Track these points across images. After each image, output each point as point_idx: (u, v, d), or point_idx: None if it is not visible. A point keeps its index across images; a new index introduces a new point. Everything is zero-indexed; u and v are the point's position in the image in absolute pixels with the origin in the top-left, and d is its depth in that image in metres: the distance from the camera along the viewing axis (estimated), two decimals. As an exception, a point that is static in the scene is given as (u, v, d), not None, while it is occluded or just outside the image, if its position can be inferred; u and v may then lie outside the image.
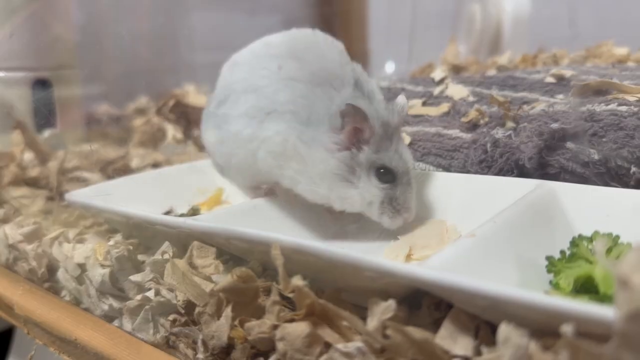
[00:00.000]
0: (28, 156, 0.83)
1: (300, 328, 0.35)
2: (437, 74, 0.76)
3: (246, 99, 0.53)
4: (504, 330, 0.28)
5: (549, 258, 0.38)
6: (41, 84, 0.94)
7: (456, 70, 0.91)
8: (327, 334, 0.35)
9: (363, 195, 0.48)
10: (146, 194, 0.64)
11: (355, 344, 0.32)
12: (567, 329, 0.26)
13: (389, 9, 1.50)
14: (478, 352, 0.31)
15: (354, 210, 0.49)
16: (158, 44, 1.34)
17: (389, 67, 1.47)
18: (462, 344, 0.31)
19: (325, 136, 0.48)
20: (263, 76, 0.52)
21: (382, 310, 0.33)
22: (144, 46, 1.32)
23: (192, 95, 1.04)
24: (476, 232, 0.38)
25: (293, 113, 0.49)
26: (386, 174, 0.48)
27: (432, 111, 0.66)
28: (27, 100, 0.93)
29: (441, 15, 1.41)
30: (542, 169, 0.52)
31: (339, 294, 0.38)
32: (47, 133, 0.93)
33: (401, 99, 0.51)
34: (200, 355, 0.40)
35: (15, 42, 0.93)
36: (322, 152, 0.48)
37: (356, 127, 0.47)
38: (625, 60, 0.81)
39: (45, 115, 0.94)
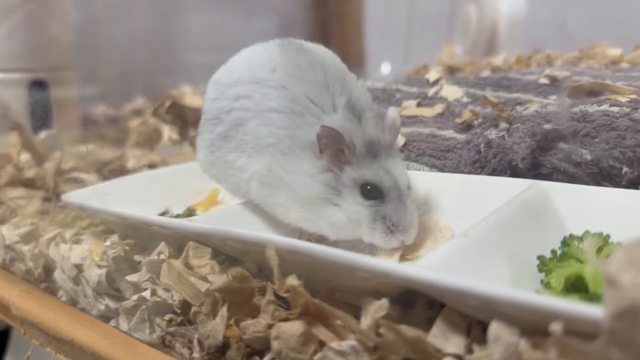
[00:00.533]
0: (25, 157, 0.84)
1: (295, 327, 0.35)
2: (432, 75, 0.76)
3: (235, 134, 0.52)
4: (495, 328, 0.28)
5: (540, 257, 0.39)
6: (38, 85, 0.95)
7: (451, 71, 0.91)
8: (321, 332, 0.35)
9: (348, 215, 0.46)
10: (142, 194, 0.65)
11: (348, 343, 0.33)
12: (556, 327, 0.26)
13: (385, 10, 1.51)
14: (470, 351, 0.31)
15: (345, 235, 0.48)
16: (155, 45, 1.35)
17: (385, 68, 1.47)
18: (454, 343, 0.32)
19: (307, 162, 0.47)
20: (247, 109, 0.51)
21: (376, 309, 0.33)
22: (140, 47, 1.32)
23: (189, 96, 1.05)
24: (469, 232, 0.38)
25: (273, 145, 0.49)
26: (372, 191, 0.46)
27: (427, 112, 0.67)
28: (24, 102, 0.94)
29: (437, 16, 1.41)
30: (535, 169, 0.52)
31: (333, 293, 0.38)
32: (43, 134, 0.94)
33: (391, 112, 0.49)
34: (196, 355, 0.41)
35: (11, 43, 0.93)
36: (305, 178, 0.47)
37: (337, 149, 0.46)
38: (619, 61, 0.81)
39: (41, 117, 0.95)
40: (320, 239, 0.51)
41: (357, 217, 0.46)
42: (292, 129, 0.48)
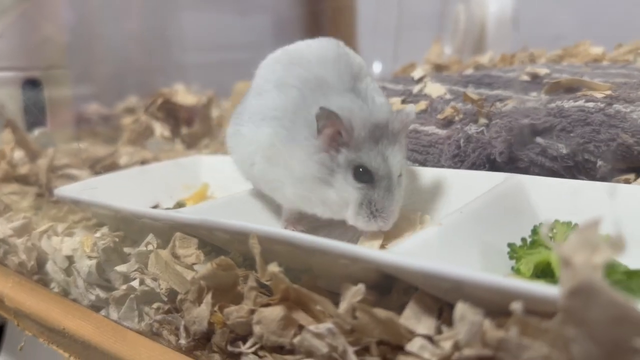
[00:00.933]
0: (18, 154, 0.85)
1: (276, 312, 0.37)
2: (417, 73, 0.78)
3: (252, 102, 0.56)
4: (460, 308, 0.30)
5: (510, 245, 0.40)
6: (31, 83, 0.96)
7: (439, 70, 0.93)
8: (301, 317, 0.37)
9: (339, 194, 0.48)
10: (133, 189, 0.66)
11: (325, 325, 0.34)
12: (516, 306, 0.27)
13: (377, 10, 1.52)
14: (439, 331, 0.33)
15: (335, 214, 0.50)
16: (149, 44, 1.36)
17: (377, 67, 1.49)
18: (425, 324, 0.33)
19: (305, 140, 0.49)
20: (268, 80, 0.54)
21: (353, 294, 0.35)
22: (134, 46, 1.33)
23: (181, 94, 1.06)
24: (442, 222, 0.40)
25: (278, 119, 0.51)
26: (364, 174, 0.47)
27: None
28: (18, 100, 0.95)
29: (428, 16, 1.43)
30: (513, 163, 0.54)
31: (315, 281, 0.40)
32: (37, 132, 0.95)
33: (410, 107, 0.52)
34: (182, 341, 0.42)
35: (5, 42, 0.95)
36: (302, 155, 0.49)
37: (335, 130, 0.47)
38: (601, 59, 0.83)
39: (35, 115, 0.96)
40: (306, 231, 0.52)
41: (347, 197, 0.48)
42: (299, 105, 0.50)
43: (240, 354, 0.39)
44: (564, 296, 0.26)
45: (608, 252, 0.26)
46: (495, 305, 0.30)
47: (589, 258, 0.26)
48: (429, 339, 0.32)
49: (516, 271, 0.39)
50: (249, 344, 0.39)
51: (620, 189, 0.46)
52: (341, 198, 0.48)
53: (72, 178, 0.77)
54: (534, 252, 0.39)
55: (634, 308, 0.24)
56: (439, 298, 0.34)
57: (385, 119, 0.48)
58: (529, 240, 0.41)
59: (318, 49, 0.54)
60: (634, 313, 0.24)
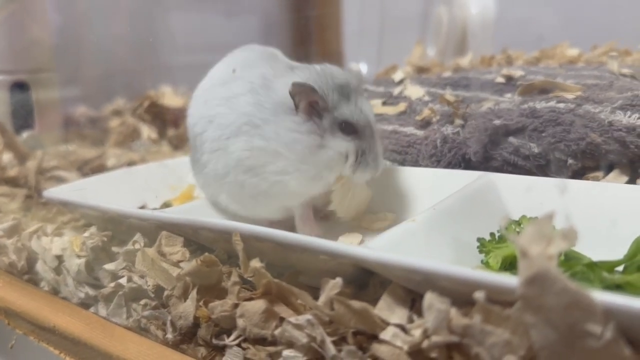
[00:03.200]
0: (7, 157, 0.86)
1: (258, 305, 0.38)
2: (397, 75, 0.80)
3: (207, 135, 0.56)
4: (428, 298, 0.32)
5: (480, 240, 0.42)
6: (19, 86, 0.97)
7: (420, 72, 0.95)
8: (282, 310, 0.39)
9: (335, 149, 0.50)
10: (121, 191, 0.68)
11: (305, 317, 0.36)
12: (479, 295, 0.29)
13: (361, 13, 1.54)
14: (412, 321, 0.35)
15: (338, 172, 0.51)
16: (136, 46, 1.36)
17: (362, 69, 1.50)
18: (398, 314, 0.35)
19: (286, 121, 0.51)
20: (215, 105, 0.56)
21: (331, 287, 0.37)
22: (122, 48, 1.34)
23: (168, 96, 1.07)
24: (416, 218, 0.42)
25: (245, 124, 0.52)
26: (348, 127, 0.50)
27: (390, 110, 0.70)
28: (6, 103, 0.96)
29: (412, 17, 1.45)
30: (487, 162, 0.56)
31: (297, 276, 0.42)
32: (25, 134, 0.96)
33: (354, 66, 0.56)
34: (169, 335, 0.44)
35: (-8, 46, 0.96)
36: (292, 135, 0.50)
37: (310, 100, 0.50)
38: (577, 61, 0.85)
39: (23, 117, 0.97)
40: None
41: (345, 151, 0.50)
42: (257, 101, 0.52)
43: (224, 346, 0.41)
44: (521, 285, 0.28)
45: (562, 243, 0.28)
46: (463, 296, 0.32)
47: (544, 249, 0.28)
48: (402, 327, 0.34)
49: (485, 264, 0.41)
50: (233, 336, 0.40)
51: (587, 186, 0.48)
52: (338, 153, 0.50)
53: (60, 180, 0.79)
54: (502, 246, 0.41)
55: (586, 294, 0.26)
56: (412, 290, 0.36)
57: (344, 77, 0.52)
58: (497, 235, 0.43)
59: (239, 56, 0.59)
60: (585, 299, 0.26)
